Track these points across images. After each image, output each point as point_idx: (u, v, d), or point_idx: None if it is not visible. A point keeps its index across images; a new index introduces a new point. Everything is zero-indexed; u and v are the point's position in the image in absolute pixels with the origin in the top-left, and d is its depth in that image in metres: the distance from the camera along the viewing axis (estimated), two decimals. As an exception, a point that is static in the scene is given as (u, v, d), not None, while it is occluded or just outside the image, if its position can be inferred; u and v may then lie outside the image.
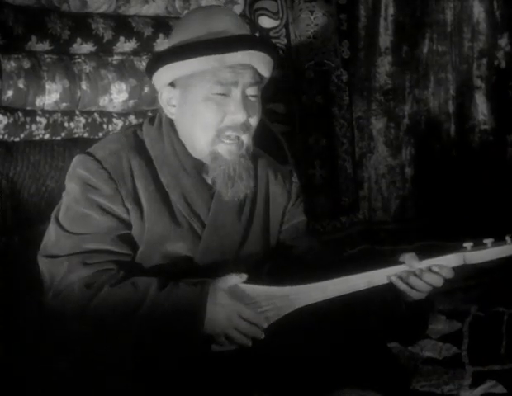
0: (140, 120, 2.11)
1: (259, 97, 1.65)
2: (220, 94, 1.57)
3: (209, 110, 1.58)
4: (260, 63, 1.60)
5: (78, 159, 1.62)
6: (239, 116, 1.57)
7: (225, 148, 1.59)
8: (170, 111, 1.64)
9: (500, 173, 3.13)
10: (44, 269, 1.56)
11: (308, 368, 1.55)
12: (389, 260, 1.58)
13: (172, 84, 1.62)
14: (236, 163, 1.59)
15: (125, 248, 1.57)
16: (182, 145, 1.64)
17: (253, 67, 1.59)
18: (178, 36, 1.63)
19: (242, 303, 1.48)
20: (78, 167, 1.60)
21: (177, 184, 1.63)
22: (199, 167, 1.64)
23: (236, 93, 1.58)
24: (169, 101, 1.64)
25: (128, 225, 1.58)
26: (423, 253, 1.57)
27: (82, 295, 1.49)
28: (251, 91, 1.61)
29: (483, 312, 2.40)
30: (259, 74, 1.63)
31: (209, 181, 1.65)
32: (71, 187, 1.60)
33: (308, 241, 1.82)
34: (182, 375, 1.48)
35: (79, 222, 1.56)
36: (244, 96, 1.59)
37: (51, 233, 1.59)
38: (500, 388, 1.77)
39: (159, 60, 1.61)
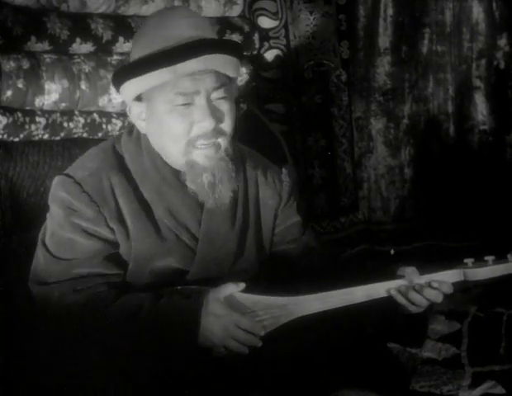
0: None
1: (230, 97, 1.56)
2: (183, 104, 1.51)
3: (175, 122, 1.52)
4: (221, 64, 1.51)
5: (58, 181, 1.58)
6: (206, 124, 1.50)
7: (201, 154, 1.53)
8: (141, 126, 1.59)
9: (499, 173, 3.13)
10: (36, 296, 1.55)
11: (308, 368, 1.54)
12: (389, 267, 1.58)
13: (138, 98, 1.56)
14: (215, 168, 1.53)
15: (114, 268, 1.55)
16: (161, 157, 1.59)
17: (215, 70, 1.51)
18: (134, 50, 1.58)
19: (238, 312, 1.47)
20: (59, 190, 1.56)
21: (161, 198, 1.58)
22: (181, 176, 1.58)
23: (200, 101, 1.51)
24: (139, 116, 1.58)
25: (115, 245, 1.56)
26: (422, 254, 1.57)
27: (77, 321, 1.48)
28: (217, 94, 1.53)
29: (482, 312, 2.40)
30: (225, 75, 1.54)
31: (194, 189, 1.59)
32: (54, 210, 1.57)
33: (305, 242, 1.77)
34: (181, 376, 1.47)
35: (65, 247, 1.54)
36: (210, 102, 1.51)
37: (39, 258, 1.57)
38: (500, 389, 1.78)
39: (120, 76, 1.56)
